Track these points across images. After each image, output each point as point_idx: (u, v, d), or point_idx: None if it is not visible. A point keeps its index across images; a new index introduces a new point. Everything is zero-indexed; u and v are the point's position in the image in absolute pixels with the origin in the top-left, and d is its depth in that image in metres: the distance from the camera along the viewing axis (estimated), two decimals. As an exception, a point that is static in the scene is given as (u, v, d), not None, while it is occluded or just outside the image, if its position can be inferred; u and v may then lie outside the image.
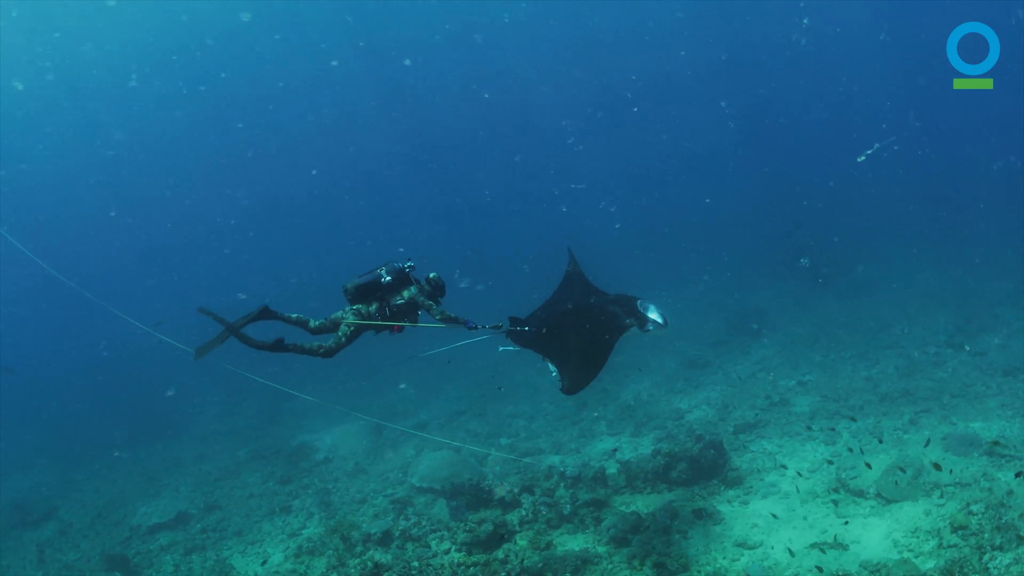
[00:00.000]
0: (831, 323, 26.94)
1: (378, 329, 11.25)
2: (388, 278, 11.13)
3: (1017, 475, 13.23)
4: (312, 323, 11.16)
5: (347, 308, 11.20)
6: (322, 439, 24.74)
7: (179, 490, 22.97)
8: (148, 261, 63.73)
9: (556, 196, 61.60)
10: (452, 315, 11.24)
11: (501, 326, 11.72)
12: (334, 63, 59.48)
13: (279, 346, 10.57)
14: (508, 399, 25.75)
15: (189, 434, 29.20)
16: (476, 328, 11.27)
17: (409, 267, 11.37)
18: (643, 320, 11.72)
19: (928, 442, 15.91)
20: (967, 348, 22.07)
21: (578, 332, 12.26)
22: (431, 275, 11.61)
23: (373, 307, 11.18)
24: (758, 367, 24.36)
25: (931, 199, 42.12)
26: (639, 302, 11.92)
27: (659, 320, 11.70)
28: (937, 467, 13.20)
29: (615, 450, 19.71)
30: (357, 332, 11.11)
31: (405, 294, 11.22)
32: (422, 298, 11.27)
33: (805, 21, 58.84)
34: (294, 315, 11.06)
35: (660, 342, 28.14)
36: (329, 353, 10.93)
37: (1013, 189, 42.30)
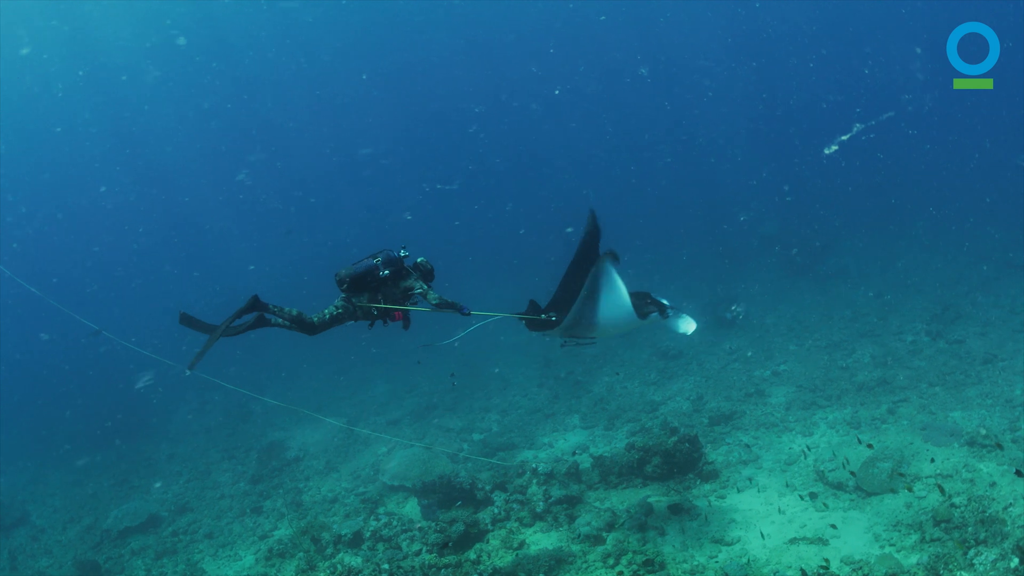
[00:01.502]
0: (806, 312, 26.79)
1: (372, 322, 10.91)
2: (386, 271, 10.69)
3: (1017, 473, 12.86)
4: (315, 319, 10.68)
5: (339, 298, 10.81)
6: (293, 437, 24.55)
7: (150, 492, 22.64)
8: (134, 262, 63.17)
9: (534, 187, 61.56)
10: (449, 300, 10.79)
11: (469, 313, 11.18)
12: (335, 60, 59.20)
13: (262, 322, 10.26)
14: (480, 393, 25.56)
15: (160, 433, 28.79)
16: (470, 314, 10.75)
17: (404, 256, 10.90)
18: (660, 306, 11.19)
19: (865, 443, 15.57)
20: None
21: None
22: (419, 260, 11.17)
23: (364, 298, 10.75)
24: (732, 357, 24.10)
25: (907, 188, 42.06)
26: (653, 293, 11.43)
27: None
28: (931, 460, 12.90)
29: (575, 453, 19.30)
30: (344, 316, 10.74)
31: (402, 285, 10.84)
32: (419, 284, 10.83)
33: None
34: (288, 308, 10.56)
35: (632, 332, 27.84)
36: (312, 329, 10.54)
37: (990, 178, 42.33)
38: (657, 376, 23.86)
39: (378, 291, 10.77)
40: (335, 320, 10.67)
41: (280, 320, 10.40)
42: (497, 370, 26.98)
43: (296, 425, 25.27)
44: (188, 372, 9.93)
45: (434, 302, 10.74)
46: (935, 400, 18.05)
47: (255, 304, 10.21)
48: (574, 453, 19.08)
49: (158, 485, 23.00)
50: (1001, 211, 34.51)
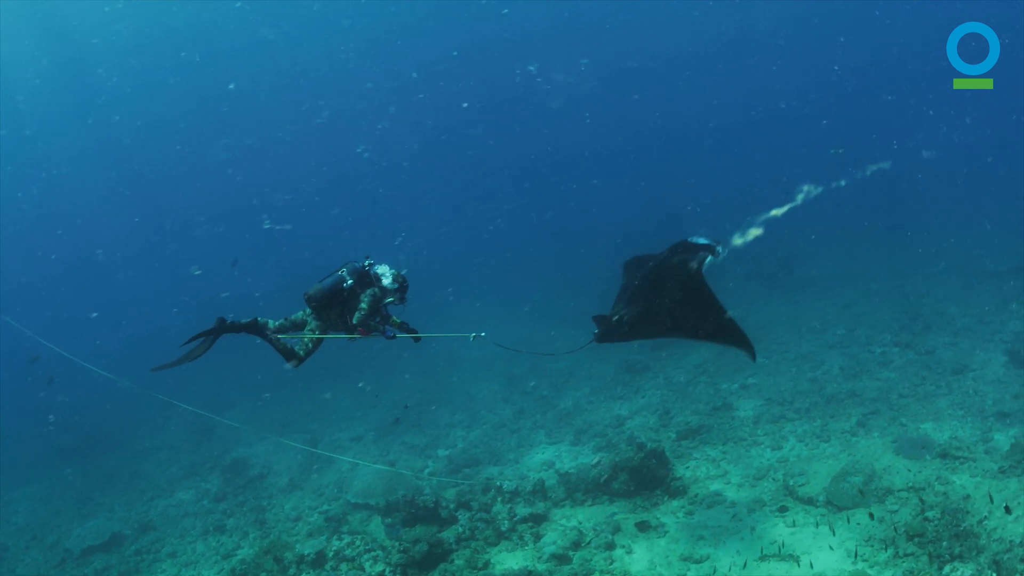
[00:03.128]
0: (774, 324, 26.57)
1: (356, 333, 10.52)
2: (350, 281, 10.49)
3: (1006, 510, 12.59)
4: (272, 324, 10.46)
5: (308, 312, 10.56)
6: (256, 453, 24.28)
7: (114, 509, 22.38)
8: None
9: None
10: (373, 322, 10.39)
11: (418, 334, 10.83)
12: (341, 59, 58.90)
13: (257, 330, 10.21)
14: (445, 408, 25.29)
15: (123, 449, 28.44)
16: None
17: (368, 264, 10.56)
18: (708, 248, 11.06)
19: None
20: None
21: (660, 302, 11.28)
22: (393, 272, 10.72)
23: (334, 313, 10.52)
24: (699, 371, 23.80)
25: (874, 197, 42.05)
26: (691, 238, 11.26)
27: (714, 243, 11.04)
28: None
29: (541, 469, 19.05)
30: (320, 340, 10.47)
31: (365, 296, 10.47)
32: (367, 298, 10.42)
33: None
34: (255, 318, 10.35)
35: (598, 346, 27.65)
36: (299, 362, 10.29)
37: (959, 188, 42.42)
38: (624, 390, 23.64)
39: (345, 304, 10.54)
40: (316, 347, 10.44)
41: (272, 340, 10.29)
42: (462, 385, 26.72)
43: (260, 441, 24.99)
44: (151, 371, 10.01)
45: (354, 320, 10.38)
46: (906, 412, 17.85)
47: (252, 327, 10.19)
48: (544, 468, 18.97)
49: (122, 502, 22.76)
50: (970, 220, 34.54)
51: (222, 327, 10.02)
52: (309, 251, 48.71)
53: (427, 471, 20.15)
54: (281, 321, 10.51)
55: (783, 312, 27.64)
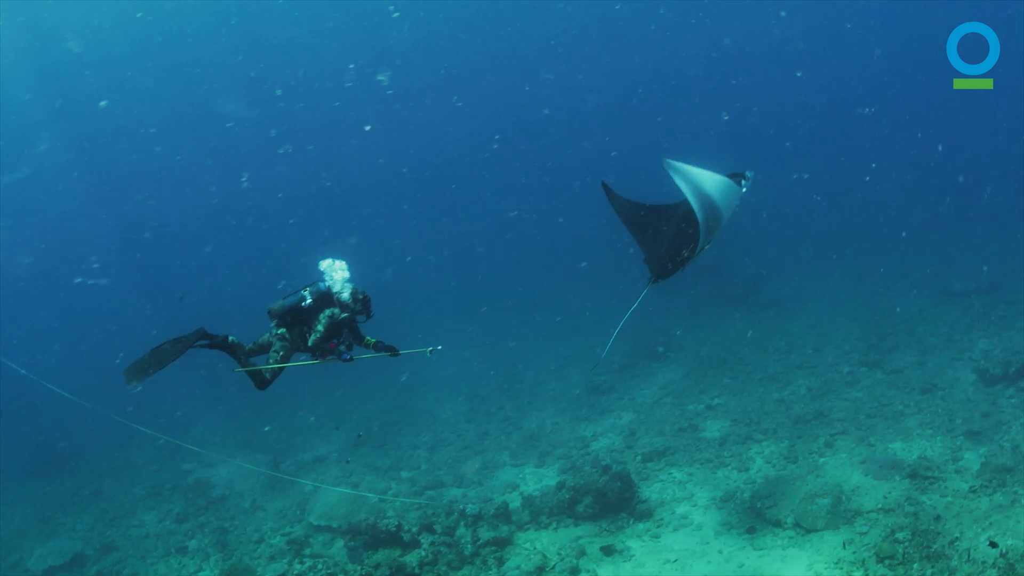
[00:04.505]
0: (740, 344, 26.37)
1: (315, 356, 10.28)
2: (310, 300, 10.10)
3: (991, 544, 12.37)
4: (246, 347, 10.22)
5: (273, 332, 10.27)
6: (218, 474, 23.81)
7: (76, 529, 22.08)
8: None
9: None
10: (327, 346, 10.08)
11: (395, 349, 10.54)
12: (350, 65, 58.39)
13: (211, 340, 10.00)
14: (409, 429, 25.06)
15: (86, 468, 28.05)
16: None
17: (327, 287, 10.20)
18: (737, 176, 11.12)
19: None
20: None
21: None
22: (352, 287, 10.34)
23: (296, 331, 10.21)
24: (665, 392, 23.66)
25: (841, 217, 42.13)
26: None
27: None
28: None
29: (505, 492, 18.85)
30: (286, 359, 10.15)
31: (322, 318, 10.09)
32: (325, 318, 10.08)
33: (783, 13, 58.92)
34: (230, 337, 10.11)
35: (564, 367, 27.46)
36: (263, 385, 10.06)
37: (924, 205, 42.55)
38: (588, 411, 23.47)
39: (308, 323, 10.23)
40: (280, 369, 10.13)
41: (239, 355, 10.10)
42: (427, 406, 26.51)
43: (222, 461, 24.53)
44: (128, 386, 9.50)
45: (309, 343, 10.13)
46: (874, 432, 17.70)
47: (226, 345, 9.99)
48: (507, 491, 18.85)
49: (84, 521, 22.49)
50: (936, 238, 34.59)
51: (201, 335, 9.82)
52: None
53: (390, 493, 19.94)
54: (251, 346, 10.27)
55: (750, 333, 27.43)
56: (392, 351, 10.32)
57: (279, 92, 57.24)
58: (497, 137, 64.34)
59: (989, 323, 23.27)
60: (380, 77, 60.02)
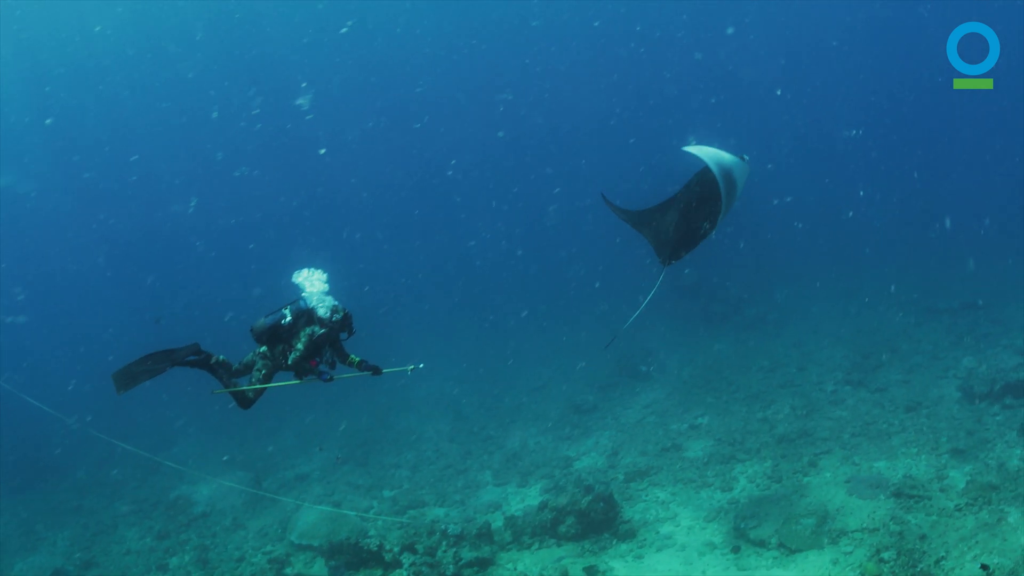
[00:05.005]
0: (723, 363, 26.30)
1: (297, 375, 10.21)
2: (289, 317, 10.03)
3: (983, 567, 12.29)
4: (233, 367, 10.19)
5: (256, 351, 10.21)
6: (200, 491, 23.73)
7: (56, 543, 21.93)
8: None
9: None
10: (307, 365, 9.96)
11: (375, 368, 10.42)
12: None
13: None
14: (391, 448, 24.91)
15: (68, 482, 27.68)
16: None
17: (307, 305, 10.08)
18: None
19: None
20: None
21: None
22: (328, 307, 10.18)
23: (278, 350, 10.11)
24: (648, 411, 23.61)
25: (823, 236, 42.10)
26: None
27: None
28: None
29: (487, 511, 18.78)
30: (270, 376, 10.12)
31: (302, 336, 9.99)
32: (305, 336, 9.95)
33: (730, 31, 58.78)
34: (221, 356, 10.08)
35: (546, 386, 27.34)
36: (246, 405, 10.10)
37: (907, 224, 42.57)
38: (571, 430, 23.38)
39: (289, 342, 10.12)
40: (264, 386, 10.06)
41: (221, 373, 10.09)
42: (409, 424, 26.38)
43: (203, 479, 24.40)
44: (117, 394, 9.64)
45: (289, 361, 10.02)
46: (858, 451, 17.64)
47: (214, 366, 10.00)
48: (490, 510, 18.77)
49: (65, 536, 22.36)
50: (920, 257, 34.61)
51: (194, 351, 9.87)
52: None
53: (372, 512, 19.84)
54: (237, 366, 10.20)
55: (733, 352, 27.40)
56: (375, 370, 10.27)
57: (256, 111, 57.11)
58: (468, 158, 64.19)
59: (974, 341, 23.32)
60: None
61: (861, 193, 50.23)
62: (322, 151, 60.86)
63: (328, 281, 10.10)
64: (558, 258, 50.91)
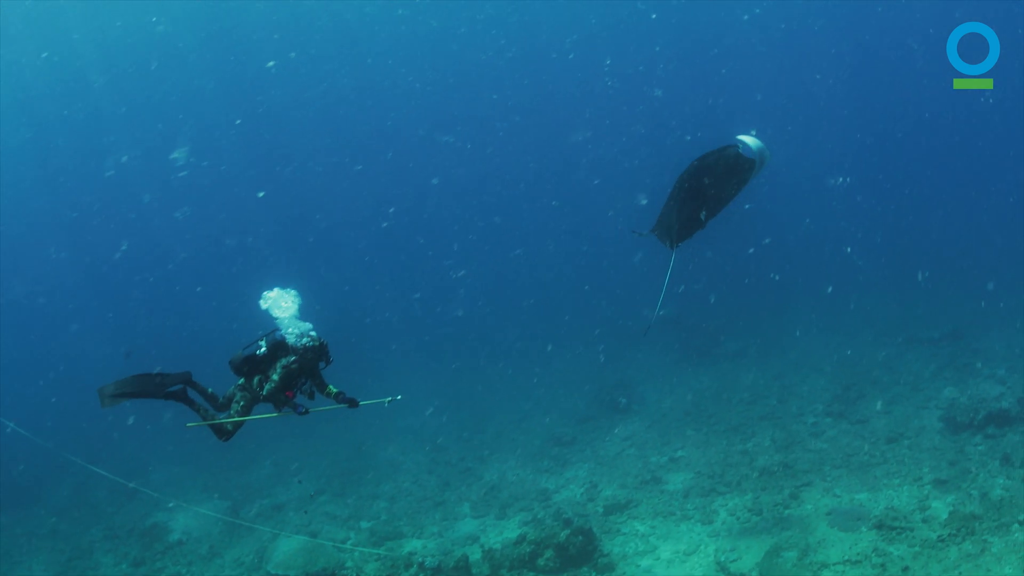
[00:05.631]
0: (703, 396, 26.24)
1: (275, 407, 10.10)
2: (263, 348, 9.97)
3: None
4: (219, 400, 10.23)
5: (237, 383, 10.19)
6: (176, 518, 23.51)
7: (32, 568, 21.79)
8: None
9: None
10: (282, 397, 9.80)
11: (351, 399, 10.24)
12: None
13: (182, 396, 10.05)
14: (369, 478, 24.71)
15: (44, 506, 27.38)
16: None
17: (282, 336, 9.95)
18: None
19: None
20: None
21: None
22: (297, 335, 10.00)
23: (255, 381, 10.04)
24: (627, 443, 23.48)
25: (802, 267, 42.09)
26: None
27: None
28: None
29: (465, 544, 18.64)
30: (249, 408, 10.05)
31: (278, 367, 9.86)
32: (280, 367, 9.80)
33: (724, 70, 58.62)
34: (209, 389, 10.13)
35: (526, 418, 27.17)
36: (225, 437, 10.13)
37: (886, 254, 42.64)
38: (550, 463, 23.20)
39: (266, 373, 10.05)
40: (242, 418, 10.02)
41: (199, 405, 10.11)
42: (387, 455, 26.19)
43: (180, 507, 24.17)
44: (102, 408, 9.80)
45: (263, 393, 9.94)
46: (840, 483, 17.57)
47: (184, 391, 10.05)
48: (468, 543, 18.66)
49: (40, 561, 22.26)
50: (900, 288, 34.60)
51: (185, 379, 9.94)
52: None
53: (349, 542, 19.65)
54: (222, 400, 10.19)
55: (713, 385, 27.31)
56: (352, 403, 10.11)
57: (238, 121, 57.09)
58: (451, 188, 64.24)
59: (955, 371, 23.37)
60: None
61: (854, 232, 50.48)
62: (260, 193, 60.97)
63: (299, 303, 9.91)
64: (537, 291, 50.80)
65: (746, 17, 57.09)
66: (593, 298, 45.11)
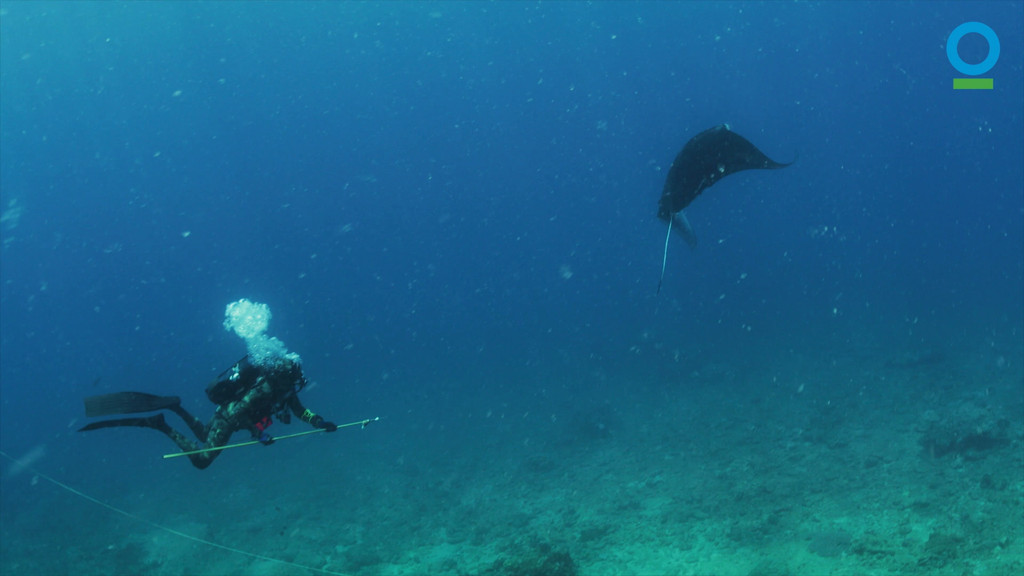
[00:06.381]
0: (681, 420, 26.20)
1: (253, 434, 9.96)
2: (236, 374, 9.79)
3: None
4: (204, 429, 10.04)
5: (215, 410, 9.98)
6: (151, 540, 23.29)
7: None
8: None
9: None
10: (241, 422, 9.65)
11: (328, 424, 10.08)
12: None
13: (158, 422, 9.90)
14: (345, 502, 24.55)
15: (18, 526, 27.06)
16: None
17: (255, 362, 9.76)
18: None
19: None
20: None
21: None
22: (264, 357, 9.79)
23: (230, 408, 9.81)
24: (605, 468, 23.35)
25: (780, 290, 42.13)
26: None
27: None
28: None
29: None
30: (226, 436, 9.86)
31: (251, 391, 9.72)
32: (253, 391, 9.68)
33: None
34: (195, 418, 9.98)
35: (503, 443, 27.02)
36: (202, 465, 9.96)
37: (866, 277, 42.73)
38: (528, 488, 23.06)
39: (240, 399, 9.87)
40: (221, 445, 9.85)
41: (175, 432, 9.94)
42: (363, 479, 26.02)
43: (156, 528, 24.02)
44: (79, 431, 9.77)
45: (231, 414, 9.80)
46: (819, 507, 17.48)
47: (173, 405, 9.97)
48: (445, 568, 18.58)
49: None
50: (878, 310, 34.64)
51: (172, 404, 9.84)
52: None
53: (325, 567, 19.53)
54: (206, 428, 9.95)
55: (691, 409, 27.27)
56: (330, 427, 9.99)
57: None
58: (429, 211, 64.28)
59: (935, 394, 23.38)
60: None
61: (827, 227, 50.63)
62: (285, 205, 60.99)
63: (268, 317, 9.64)
64: (517, 314, 50.83)
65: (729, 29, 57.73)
66: (574, 323, 45.12)
